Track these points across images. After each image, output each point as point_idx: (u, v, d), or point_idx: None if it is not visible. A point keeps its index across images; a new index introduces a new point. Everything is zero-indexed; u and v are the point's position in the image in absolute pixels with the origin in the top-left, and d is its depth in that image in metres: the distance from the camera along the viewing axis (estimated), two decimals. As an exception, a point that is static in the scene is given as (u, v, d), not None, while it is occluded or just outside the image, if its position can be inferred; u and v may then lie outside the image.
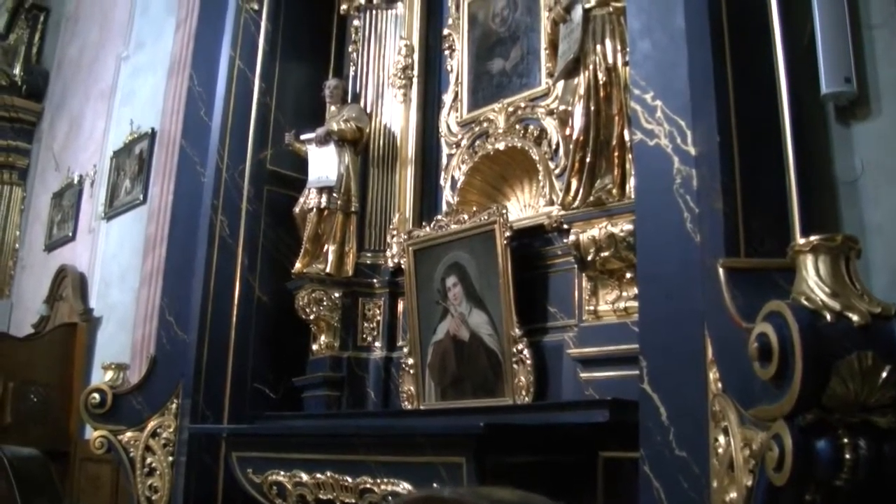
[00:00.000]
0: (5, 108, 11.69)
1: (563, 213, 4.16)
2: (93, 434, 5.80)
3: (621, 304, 3.95)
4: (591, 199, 4.01)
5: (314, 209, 5.50)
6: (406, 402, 5.03)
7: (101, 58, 10.03)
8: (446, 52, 5.79)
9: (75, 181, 9.71)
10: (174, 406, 5.89)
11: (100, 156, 9.18)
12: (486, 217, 4.59)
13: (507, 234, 4.47)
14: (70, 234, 9.54)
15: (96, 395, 6.17)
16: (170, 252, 6.32)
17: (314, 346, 5.56)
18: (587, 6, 4.23)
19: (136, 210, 7.97)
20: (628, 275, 3.91)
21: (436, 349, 4.88)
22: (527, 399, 4.34)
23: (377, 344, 5.45)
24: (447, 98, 5.66)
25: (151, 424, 5.89)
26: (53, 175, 10.56)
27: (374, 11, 6.09)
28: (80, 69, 10.77)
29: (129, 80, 9.00)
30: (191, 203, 6.07)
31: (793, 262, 2.51)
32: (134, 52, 9.05)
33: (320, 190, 5.52)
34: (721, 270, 2.90)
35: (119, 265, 8.04)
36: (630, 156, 3.84)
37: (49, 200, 10.38)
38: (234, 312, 5.74)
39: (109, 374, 6.49)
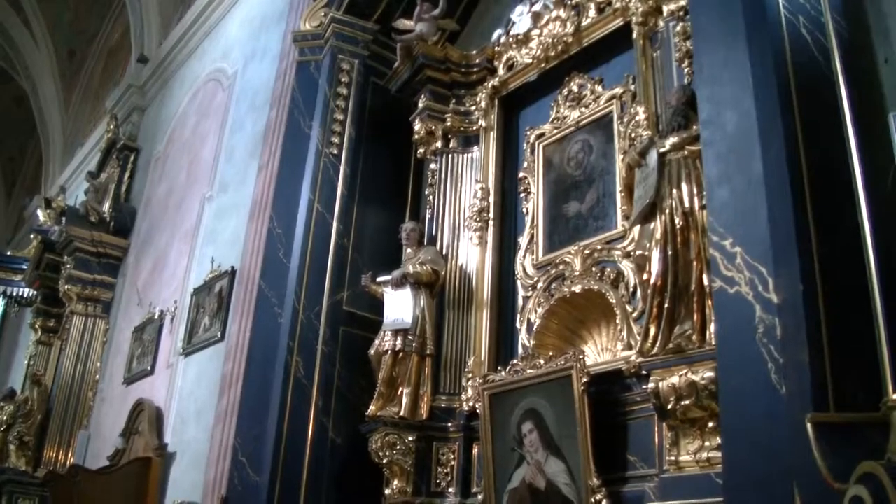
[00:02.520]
0: (93, 244, 12.07)
1: (642, 359, 4.07)
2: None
3: (704, 455, 3.81)
4: (671, 345, 3.92)
5: (389, 351, 5.49)
6: (480, 552, 4.86)
7: (186, 198, 10.36)
8: (522, 195, 5.84)
9: (156, 316, 9.89)
10: (244, 548, 5.81)
11: (181, 292, 9.36)
12: (562, 362, 4.51)
13: (585, 379, 4.38)
14: (149, 369, 9.65)
15: (167, 534, 6.13)
16: (245, 391, 6.36)
17: (387, 491, 5.43)
18: (662, 150, 4.24)
19: (213, 347, 8.05)
20: (711, 424, 3.79)
21: (511, 497, 4.73)
22: (604, 553, 4.16)
23: (451, 490, 5.32)
24: (523, 240, 5.67)
25: (220, 567, 5.82)
26: (136, 310, 10.78)
27: (450, 155, 6.19)
28: (166, 208, 11.13)
29: (213, 220, 9.24)
30: (267, 342, 6.13)
31: (886, 418, 2.40)
32: (218, 193, 9.33)
33: (396, 332, 5.51)
34: (810, 426, 2.79)
35: (195, 402, 8.08)
36: (710, 302, 3.76)
37: (131, 334, 10.58)
38: (308, 454, 5.71)
39: (180, 513, 6.47)
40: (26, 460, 11.48)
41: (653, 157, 4.28)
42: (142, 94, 14.08)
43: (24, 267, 14.58)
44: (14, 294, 15.61)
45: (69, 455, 11.13)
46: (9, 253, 17.78)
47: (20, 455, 11.57)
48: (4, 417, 12.34)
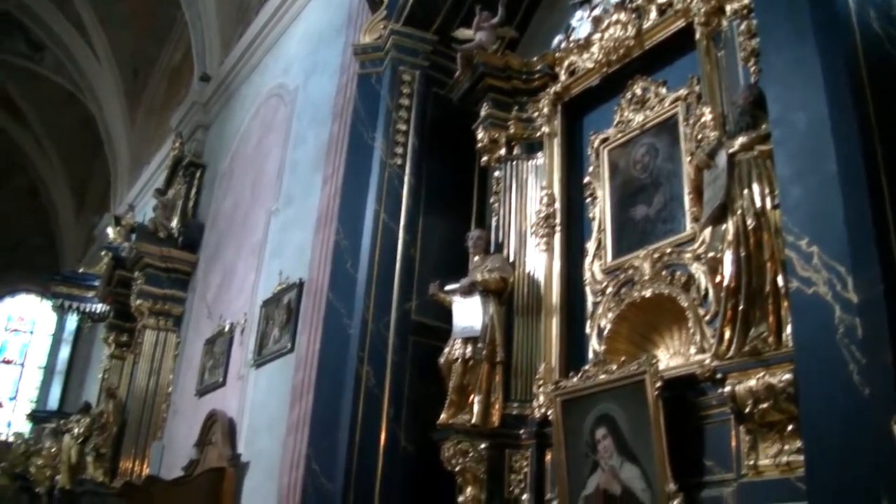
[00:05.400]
0: (163, 259, 12.31)
1: (717, 363, 4.03)
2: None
3: (784, 459, 3.76)
4: (747, 348, 3.87)
5: (460, 359, 5.49)
6: (556, 559, 4.84)
7: (252, 212, 10.51)
8: (588, 200, 5.81)
9: (226, 329, 10.04)
10: (319, 557, 5.86)
11: (250, 305, 9.49)
12: (635, 367, 4.48)
13: (658, 384, 4.34)
14: (221, 380, 9.80)
15: (243, 544, 6.20)
16: (316, 401, 6.42)
17: (460, 498, 5.42)
18: (731, 151, 4.20)
19: (284, 358, 8.14)
20: (790, 427, 3.73)
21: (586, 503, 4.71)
22: (683, 559, 4.12)
23: (525, 497, 5.28)
24: (590, 246, 5.64)
25: (296, 576, 5.86)
26: (206, 323, 10.95)
27: (514, 162, 6.18)
28: (233, 222, 11.30)
29: (279, 234, 9.36)
30: (337, 353, 6.18)
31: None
32: (283, 206, 9.45)
33: (466, 340, 5.52)
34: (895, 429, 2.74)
35: (267, 412, 8.18)
36: (785, 303, 3.72)
37: (202, 347, 10.75)
38: (380, 462, 5.73)
39: (256, 523, 6.54)
40: (103, 472, 11.71)
41: (722, 159, 4.24)
42: (205, 111, 14.31)
43: (96, 284, 14.91)
44: (87, 310, 15.96)
45: (144, 466, 11.36)
46: (81, 270, 18.20)
47: (97, 467, 11.81)
48: (81, 430, 12.63)
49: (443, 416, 5.48)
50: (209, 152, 13.77)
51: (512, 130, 6.21)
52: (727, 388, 3.91)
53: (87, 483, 11.62)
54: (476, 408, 5.41)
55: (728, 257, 4.03)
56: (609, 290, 5.35)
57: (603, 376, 4.69)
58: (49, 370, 23.90)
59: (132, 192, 18.41)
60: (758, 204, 4.00)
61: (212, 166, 13.31)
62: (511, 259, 5.84)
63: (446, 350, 5.62)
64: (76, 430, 12.80)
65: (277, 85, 11.13)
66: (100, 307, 15.23)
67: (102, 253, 15.38)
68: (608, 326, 5.22)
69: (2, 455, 16.70)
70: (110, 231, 15.44)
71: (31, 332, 26.33)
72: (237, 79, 13.17)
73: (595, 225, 5.67)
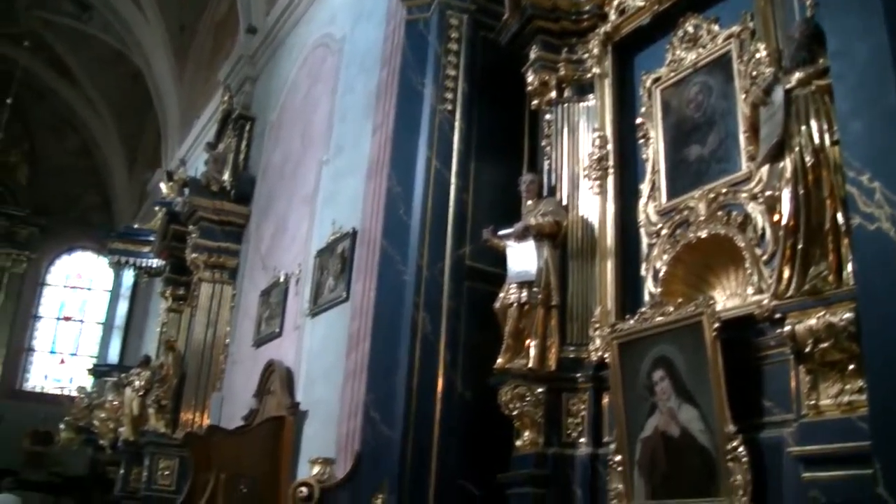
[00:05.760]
0: (216, 213, 12.42)
1: (776, 302, 3.98)
2: (300, 526, 5.91)
3: (845, 398, 3.71)
4: (806, 287, 3.82)
5: (515, 304, 5.49)
6: (615, 501, 4.86)
7: (303, 163, 10.55)
8: (641, 141, 5.74)
9: (281, 280, 10.14)
10: (379, 502, 5.95)
11: (304, 255, 9.56)
12: (692, 308, 4.46)
13: (716, 325, 4.32)
14: (277, 331, 9.92)
15: (304, 489, 6.35)
16: (373, 349, 6.48)
17: (518, 443, 5.46)
18: (788, 87, 4.12)
19: (339, 307, 8.21)
20: (851, 366, 3.69)
21: (644, 446, 4.71)
22: (745, 500, 4.10)
23: (582, 440, 5.31)
24: (644, 187, 5.58)
25: (358, 520, 5.97)
26: (261, 274, 11.07)
27: (565, 105, 6.12)
28: (283, 174, 11.35)
29: (331, 183, 9.39)
30: (392, 300, 6.22)
31: None
32: (334, 156, 9.46)
33: (521, 285, 5.51)
34: (960, 365, 2.70)
35: (324, 361, 8.27)
36: (846, 240, 3.66)
37: (257, 298, 10.87)
38: (438, 409, 5.79)
39: (316, 469, 6.67)
40: (165, 423, 11.94)
41: (778, 95, 4.16)
42: (253, 64, 14.32)
43: (151, 239, 15.13)
44: (143, 265, 16.22)
45: (204, 417, 11.58)
46: (136, 226, 18.48)
47: (159, 418, 12.04)
48: (142, 383, 12.89)
49: (499, 360, 5.50)
50: (258, 105, 13.81)
51: (562, 73, 6.13)
52: (786, 328, 3.87)
53: (150, 434, 11.86)
54: (532, 352, 5.42)
55: (786, 195, 3.97)
56: (664, 231, 5.30)
57: (660, 318, 4.68)
58: (108, 325, 24.38)
59: (183, 147, 18.57)
60: (816, 140, 3.93)
61: (261, 118, 13.34)
62: (564, 202, 5.81)
63: (501, 295, 5.62)
64: (137, 383, 13.06)
65: (324, 34, 11.09)
66: (155, 262, 15.47)
67: (156, 208, 15.57)
68: (664, 268, 5.18)
69: (66, 409, 17.12)
70: (163, 186, 15.64)
71: (90, 289, 26.79)
72: (283, 30, 13.15)
73: (648, 166, 5.60)
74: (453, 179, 6.28)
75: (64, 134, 26.53)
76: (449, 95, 6.59)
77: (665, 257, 5.20)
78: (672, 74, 5.58)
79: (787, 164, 4.02)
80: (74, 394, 18.07)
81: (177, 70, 19.70)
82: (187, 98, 19.46)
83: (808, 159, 3.91)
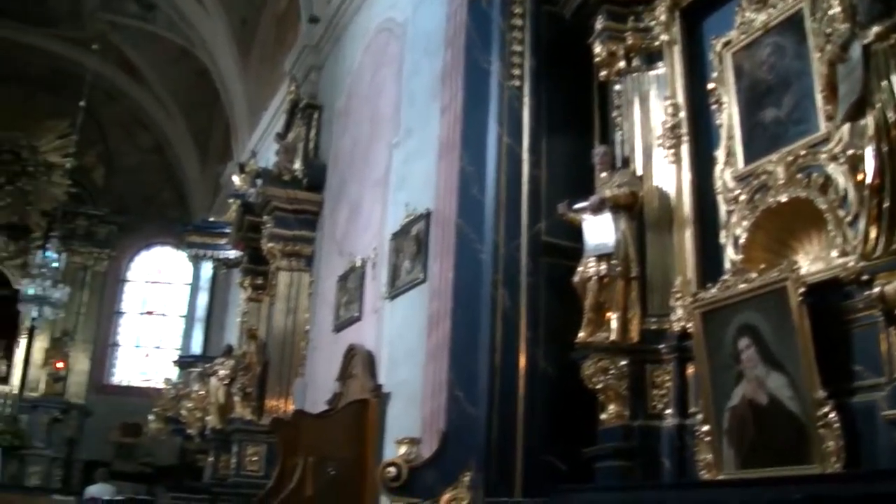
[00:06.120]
0: (289, 201, 12.57)
1: (863, 264, 3.91)
2: (390, 506, 5.98)
3: (938, 359, 3.64)
4: (894, 247, 3.74)
5: (594, 277, 5.47)
6: (704, 472, 4.82)
7: (373, 147, 10.61)
8: (714, 107, 5.65)
9: (358, 264, 10.23)
10: (466, 479, 6.01)
11: (379, 239, 9.64)
12: (776, 274, 4.40)
13: (801, 290, 4.26)
14: (356, 315, 10.02)
15: (392, 469, 6.43)
16: (454, 328, 6.52)
17: (603, 416, 5.46)
18: (866, 42, 4.03)
19: (417, 288, 8.26)
20: (946, 325, 3.61)
21: (732, 415, 4.66)
22: (837, 466, 4.04)
23: (668, 411, 5.29)
24: (720, 153, 5.50)
25: (445, 497, 6.03)
26: (337, 260, 11.18)
27: (634, 74, 6.06)
28: (354, 159, 11.44)
29: (402, 166, 9.43)
30: (471, 279, 6.25)
31: None
32: (404, 138, 9.50)
33: (599, 258, 5.49)
34: None
35: (404, 342, 8.34)
36: (935, 197, 3.59)
37: (335, 284, 10.99)
38: (521, 385, 5.81)
39: (403, 449, 6.74)
40: (251, 410, 12.16)
41: (856, 51, 4.07)
42: (317, 52, 14.42)
43: (227, 231, 15.39)
44: (220, 257, 16.51)
45: (288, 403, 11.78)
46: (211, 219, 18.78)
47: (244, 406, 12.26)
48: (227, 372, 13.13)
49: (581, 334, 5.49)
50: (324, 93, 13.92)
51: (629, 42, 6.06)
52: (875, 290, 3.81)
53: (237, 422, 12.09)
54: (614, 325, 5.41)
55: (869, 153, 3.90)
56: (742, 197, 5.22)
57: (743, 286, 4.63)
58: (189, 318, 24.77)
59: (253, 139, 18.79)
60: (899, 95, 3.85)
61: (328, 106, 13.45)
62: (639, 173, 5.76)
63: (579, 269, 5.60)
64: (222, 373, 13.29)
65: (386, 19, 11.12)
66: (232, 253, 15.72)
67: (230, 201, 15.81)
68: (743, 235, 5.10)
69: (153, 401, 17.52)
70: (236, 179, 15.84)
71: (170, 283, 27.34)
72: (345, 17, 13.21)
73: (723, 132, 5.52)
74: (525, 155, 6.26)
75: (136, 133, 27.06)
76: (516, 72, 6.56)
77: (744, 223, 5.12)
78: (742, 37, 5.48)
79: (869, 121, 3.94)
80: (160, 386, 18.46)
81: (241, 64, 19.92)
82: (254, 90, 19.67)
83: (891, 115, 3.84)
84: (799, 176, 4.83)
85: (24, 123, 24.81)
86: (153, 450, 21.66)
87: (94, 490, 16.67)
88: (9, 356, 23.91)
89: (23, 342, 23.98)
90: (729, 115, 5.49)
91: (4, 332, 23.80)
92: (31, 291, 18.78)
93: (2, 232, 24.25)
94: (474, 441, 5.91)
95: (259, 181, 12.99)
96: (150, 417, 16.56)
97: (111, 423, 23.58)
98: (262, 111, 18.27)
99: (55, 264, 19.33)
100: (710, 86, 5.69)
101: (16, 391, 23.59)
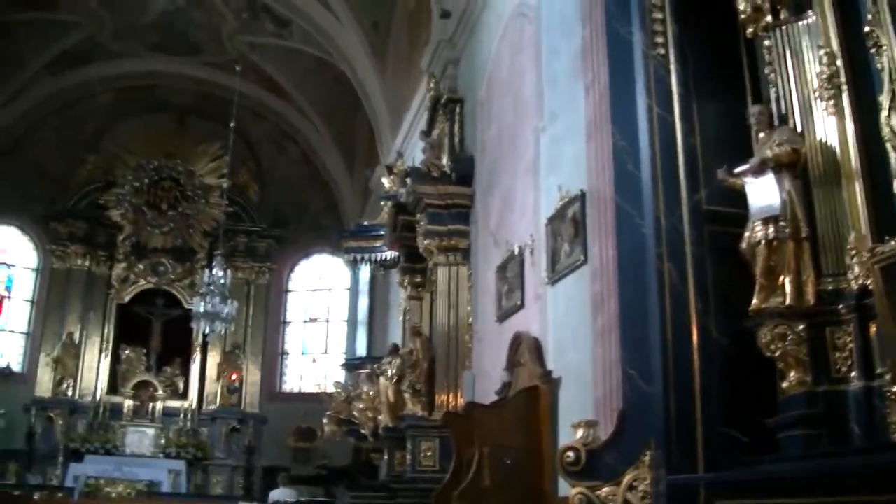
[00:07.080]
0: (441, 197, 12.74)
1: None
2: (570, 492, 5.99)
3: None
4: None
5: (762, 241, 5.28)
6: (897, 434, 4.61)
7: (519, 134, 10.61)
8: (872, 51, 5.36)
9: (515, 252, 10.25)
10: (647, 458, 5.92)
11: (535, 225, 9.63)
12: (961, 217, 4.16)
13: None
14: (519, 303, 10.05)
15: (570, 454, 6.39)
16: (622, 306, 6.44)
17: (783, 384, 5.26)
18: None
19: (578, 271, 8.22)
20: None
21: (924, 370, 4.45)
22: None
23: (853, 374, 5.03)
24: (884, 99, 5.17)
25: (627, 478, 5.97)
26: (494, 250, 11.24)
27: (783, 27, 5.81)
28: (501, 148, 11.47)
29: (550, 149, 9.39)
30: (634, 255, 6.16)
31: None
32: (549, 122, 9.46)
33: (765, 221, 5.30)
34: None
35: (570, 326, 8.31)
36: None
37: (494, 274, 11.05)
38: (696, 358, 5.69)
39: (580, 432, 6.70)
40: (421, 406, 12.40)
41: None
42: (452, 47, 14.53)
43: (382, 233, 15.68)
44: (377, 259, 16.85)
45: (458, 396, 11.92)
46: (365, 223, 19.19)
47: (415, 402, 12.51)
48: (394, 370, 13.39)
49: (754, 301, 5.31)
50: (463, 85, 14.00)
51: (775, -8, 5.85)
52: None
53: (409, 418, 12.33)
54: (788, 288, 5.20)
55: None
56: (913, 140, 4.96)
57: (924, 233, 4.40)
58: (352, 321, 25.42)
59: (397, 140, 19.08)
60: None
61: (469, 98, 13.53)
62: (799, 129, 5.53)
63: (746, 234, 5.42)
64: (390, 372, 13.55)
65: (519, 4, 11.09)
66: (389, 254, 16.02)
67: (382, 203, 16.11)
68: (919, 179, 4.85)
69: (325, 405, 18.03)
70: (385, 181, 16.16)
71: (330, 290, 28.07)
72: (476, 8, 13.26)
73: (885, 76, 5.20)
74: (677, 124, 6.10)
75: (284, 146, 27.98)
76: (659, 39, 6.39)
77: (919, 168, 4.86)
78: (898, -28, 5.20)
79: None
80: (331, 390, 18.98)
81: (378, 67, 20.27)
82: (393, 92, 19.97)
83: None
84: (976, 109, 4.55)
85: (180, 150, 26.16)
86: (328, 452, 22.33)
87: (277, 494, 17.35)
88: (185, 373, 25.24)
89: (197, 358, 25.18)
90: (890, 57, 5.19)
91: (179, 350, 25.08)
92: (202, 309, 19.64)
93: (168, 255, 25.62)
94: (652, 419, 5.82)
95: (408, 180, 13.19)
96: (325, 421, 17.05)
97: (286, 429, 24.44)
98: (403, 111, 18.54)
99: (222, 281, 20.15)
100: (867, 29, 5.39)
101: (194, 405, 24.86)
